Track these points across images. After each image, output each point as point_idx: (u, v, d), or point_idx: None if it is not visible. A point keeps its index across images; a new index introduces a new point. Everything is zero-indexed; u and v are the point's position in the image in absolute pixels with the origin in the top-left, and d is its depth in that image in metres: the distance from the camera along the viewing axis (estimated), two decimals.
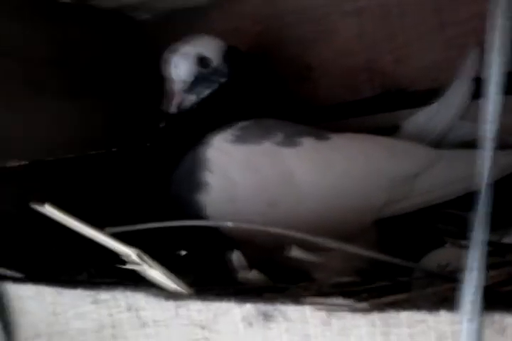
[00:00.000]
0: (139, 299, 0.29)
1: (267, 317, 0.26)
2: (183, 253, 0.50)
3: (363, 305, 0.24)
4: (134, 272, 0.30)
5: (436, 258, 0.40)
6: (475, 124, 0.55)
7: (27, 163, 0.50)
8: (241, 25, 0.65)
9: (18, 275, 0.35)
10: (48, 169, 0.52)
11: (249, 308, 0.26)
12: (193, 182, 0.47)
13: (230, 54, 0.54)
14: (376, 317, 0.24)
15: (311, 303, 0.25)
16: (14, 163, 0.49)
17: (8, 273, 0.35)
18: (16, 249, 0.41)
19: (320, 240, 0.29)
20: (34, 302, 0.33)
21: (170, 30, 0.68)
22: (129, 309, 0.29)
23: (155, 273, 0.29)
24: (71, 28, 0.58)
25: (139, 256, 0.28)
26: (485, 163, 0.23)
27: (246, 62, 0.55)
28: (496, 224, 0.25)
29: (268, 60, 0.63)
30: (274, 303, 0.26)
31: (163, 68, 0.53)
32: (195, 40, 0.54)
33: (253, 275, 0.32)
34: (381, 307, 0.24)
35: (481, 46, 0.53)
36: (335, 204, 0.46)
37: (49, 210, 0.28)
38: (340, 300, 0.24)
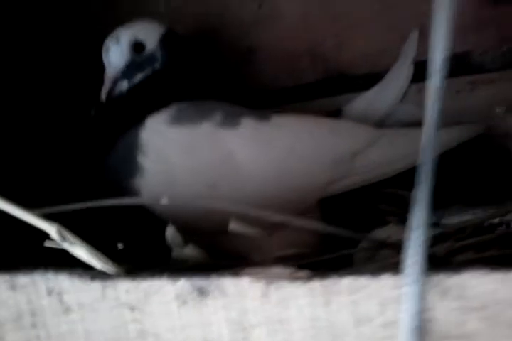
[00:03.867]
0: (62, 281, 0.26)
1: (202, 292, 0.24)
2: (121, 246, 0.48)
3: (303, 273, 0.22)
4: (54, 257, 0.28)
5: (379, 236, 0.39)
6: (415, 107, 0.57)
7: None
8: (182, 6, 0.63)
9: None
10: None
11: (182, 284, 0.24)
12: (128, 167, 0.44)
13: (167, 39, 0.52)
14: (317, 285, 0.22)
15: (248, 274, 0.23)
16: None
17: None
18: None
19: (265, 214, 0.28)
20: None
21: (108, 11, 0.65)
22: (50, 293, 0.27)
23: (79, 251, 0.26)
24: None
25: (59, 232, 0.26)
26: (427, 139, 0.22)
27: (183, 47, 0.53)
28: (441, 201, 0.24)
29: (209, 43, 0.62)
30: (209, 277, 0.24)
31: (103, 55, 0.51)
32: (132, 24, 0.52)
33: (189, 250, 0.30)
34: (321, 275, 0.22)
35: (421, 30, 0.54)
36: (278, 183, 0.44)
37: None
38: (279, 269, 0.23)
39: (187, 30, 0.61)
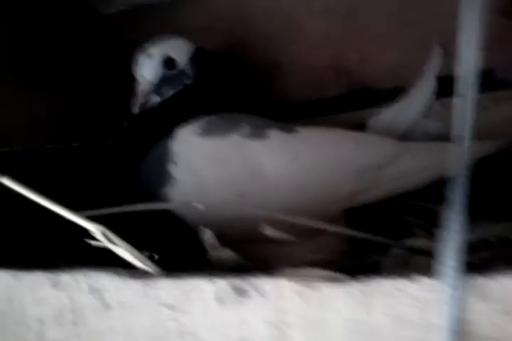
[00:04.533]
0: (103, 279, 0.27)
1: (240, 292, 0.25)
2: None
3: (342, 275, 0.23)
4: (96, 257, 0.29)
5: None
6: (438, 122, 0.57)
7: None
8: (209, 22, 0.65)
9: None
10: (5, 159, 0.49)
11: (221, 284, 0.25)
12: (160, 176, 0.46)
13: (197, 55, 0.54)
14: (355, 287, 0.23)
15: (286, 275, 0.24)
16: None
17: None
18: None
19: (301, 220, 0.29)
20: None
21: (136, 25, 0.67)
22: (91, 291, 0.28)
23: (121, 251, 0.27)
24: (34, 16, 0.56)
25: (103, 233, 0.27)
26: (459, 154, 0.23)
27: (213, 64, 0.55)
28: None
29: (236, 58, 0.63)
30: (247, 277, 0.25)
31: (133, 69, 0.53)
32: (163, 41, 0.54)
33: (225, 253, 0.30)
34: (360, 277, 0.23)
35: (444, 45, 0.55)
36: (303, 194, 0.45)
37: (8, 182, 0.26)
38: (317, 271, 0.23)
39: (214, 45, 0.63)
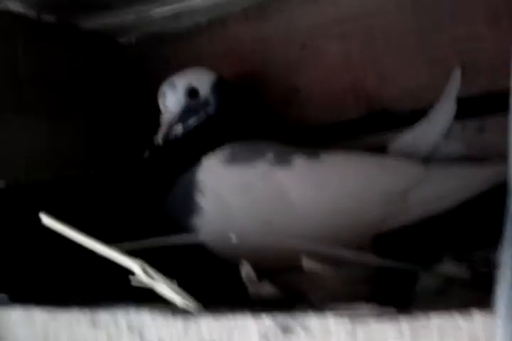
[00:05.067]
0: (143, 316, 0.27)
1: (286, 330, 0.24)
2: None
3: (389, 309, 0.23)
4: (135, 293, 0.28)
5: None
6: (459, 143, 0.57)
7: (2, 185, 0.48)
8: (226, 49, 0.66)
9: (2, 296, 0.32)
10: (28, 191, 0.50)
11: (266, 322, 0.25)
12: (187, 206, 0.46)
13: (218, 85, 0.54)
14: (405, 324, 0.22)
15: (333, 312, 0.23)
16: None
17: None
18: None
19: (332, 250, 0.28)
20: (22, 327, 0.30)
21: (155, 53, 0.68)
22: (131, 329, 0.27)
23: (161, 287, 0.27)
24: (54, 48, 0.58)
25: (142, 268, 0.26)
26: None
27: (234, 93, 0.56)
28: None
29: (255, 83, 0.64)
30: (293, 315, 0.24)
31: (158, 99, 0.53)
32: (186, 72, 0.55)
33: (265, 288, 0.30)
34: (409, 313, 0.22)
35: (463, 67, 0.55)
36: (330, 221, 0.45)
37: (47, 220, 0.26)
38: (364, 306, 0.23)
39: (234, 71, 0.64)
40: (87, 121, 0.61)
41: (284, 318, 0.24)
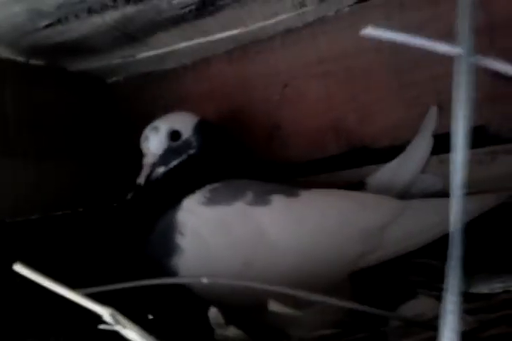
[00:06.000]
0: None
1: None
2: (151, 317, 0.49)
3: None
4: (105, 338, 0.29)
5: (411, 309, 0.40)
6: (436, 177, 0.58)
7: None
8: (211, 88, 0.68)
9: None
10: (13, 230, 0.51)
11: None
12: (167, 246, 0.47)
13: (200, 127, 0.56)
14: None
15: None
16: None
17: None
18: None
19: (300, 294, 0.29)
20: None
21: (141, 92, 0.70)
22: None
23: (131, 334, 0.27)
24: (42, 90, 0.59)
25: (112, 316, 0.27)
26: (455, 209, 0.24)
27: (215, 133, 0.57)
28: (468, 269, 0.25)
29: (238, 121, 0.66)
30: None
31: (140, 142, 0.55)
32: (169, 116, 0.57)
33: (231, 331, 0.31)
34: None
35: (439, 104, 0.57)
36: (310, 259, 0.46)
37: (20, 269, 0.27)
38: None
39: (218, 109, 0.66)
40: (75, 161, 0.63)
41: None
